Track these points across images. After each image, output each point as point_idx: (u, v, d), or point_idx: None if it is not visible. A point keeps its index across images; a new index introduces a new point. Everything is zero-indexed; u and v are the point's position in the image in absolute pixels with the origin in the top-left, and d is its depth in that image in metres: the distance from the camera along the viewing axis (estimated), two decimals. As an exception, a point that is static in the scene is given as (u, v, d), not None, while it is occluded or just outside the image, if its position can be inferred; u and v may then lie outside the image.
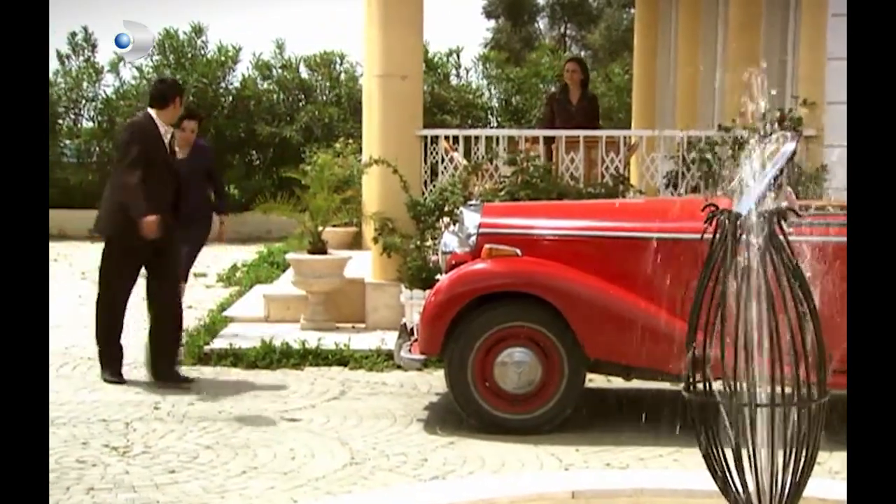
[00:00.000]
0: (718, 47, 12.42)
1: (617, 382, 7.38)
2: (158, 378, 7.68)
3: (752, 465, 2.61)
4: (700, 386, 2.67)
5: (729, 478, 2.64)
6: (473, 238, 6.87)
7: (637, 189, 9.63)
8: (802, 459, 2.60)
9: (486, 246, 6.73)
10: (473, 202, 7.73)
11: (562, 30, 34.35)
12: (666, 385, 7.30)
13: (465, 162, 9.74)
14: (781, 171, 6.65)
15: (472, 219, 6.99)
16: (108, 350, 7.75)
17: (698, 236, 6.49)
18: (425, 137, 9.74)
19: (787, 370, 2.57)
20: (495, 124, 18.22)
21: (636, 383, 7.15)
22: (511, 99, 18.39)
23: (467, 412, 6.66)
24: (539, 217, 7.08)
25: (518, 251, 6.71)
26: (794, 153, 6.73)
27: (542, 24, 34.78)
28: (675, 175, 9.47)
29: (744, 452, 2.60)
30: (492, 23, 33.26)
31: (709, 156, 9.17)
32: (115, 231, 7.61)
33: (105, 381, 7.68)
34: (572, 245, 6.75)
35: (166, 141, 7.79)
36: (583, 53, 30.71)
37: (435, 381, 7.76)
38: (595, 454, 6.22)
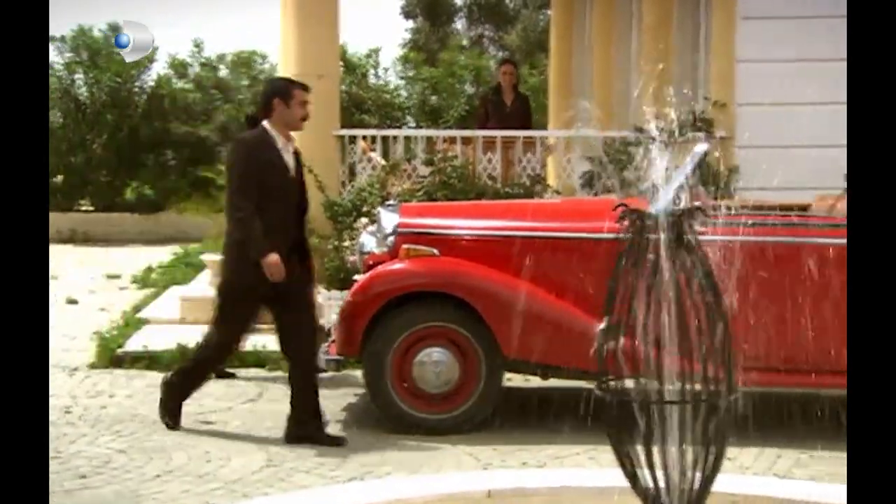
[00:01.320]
0: (633, 48, 12.57)
1: (535, 381, 7.43)
2: (290, 440, 6.35)
3: (663, 461, 2.65)
4: (612, 384, 2.71)
5: (639, 474, 2.67)
6: (391, 238, 6.86)
7: (554, 189, 9.70)
8: (711, 455, 2.64)
9: (404, 246, 6.73)
10: (391, 202, 7.73)
11: (479, 31, 34.45)
12: (583, 384, 7.37)
13: (383, 162, 9.73)
14: (694, 171, 6.80)
15: (389, 219, 6.98)
16: (182, 393, 6.66)
17: (612, 236, 6.63)
18: (343, 137, 9.70)
19: (696, 367, 2.62)
20: (413, 124, 18.25)
21: (554, 382, 7.20)
22: (428, 99, 18.44)
23: (385, 413, 6.65)
24: (457, 217, 7.10)
25: (436, 251, 6.72)
26: (706, 154, 6.88)
27: (460, 24, 34.84)
28: (591, 175, 9.57)
29: (654, 449, 2.63)
30: (410, 23, 33.25)
31: (623, 157, 9.28)
32: (230, 272, 6.50)
33: (166, 424, 6.56)
34: (490, 245, 6.78)
35: (288, 158, 6.43)
36: (500, 54, 30.82)
37: (354, 383, 7.73)
38: (512, 453, 6.25)
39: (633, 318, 2.62)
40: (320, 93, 9.40)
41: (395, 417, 6.62)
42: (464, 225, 6.94)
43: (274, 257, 6.17)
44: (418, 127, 17.21)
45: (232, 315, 6.49)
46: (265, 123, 6.42)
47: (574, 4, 15.25)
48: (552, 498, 3.11)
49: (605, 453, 6.02)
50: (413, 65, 19.26)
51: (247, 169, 6.35)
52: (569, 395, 7.35)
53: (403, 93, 18.93)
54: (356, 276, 8.10)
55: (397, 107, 18.50)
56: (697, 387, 2.63)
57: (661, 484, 2.64)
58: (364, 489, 3.53)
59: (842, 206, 6.94)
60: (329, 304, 8.73)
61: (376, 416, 6.73)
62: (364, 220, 8.91)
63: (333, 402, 7.33)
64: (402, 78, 19.06)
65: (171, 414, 6.60)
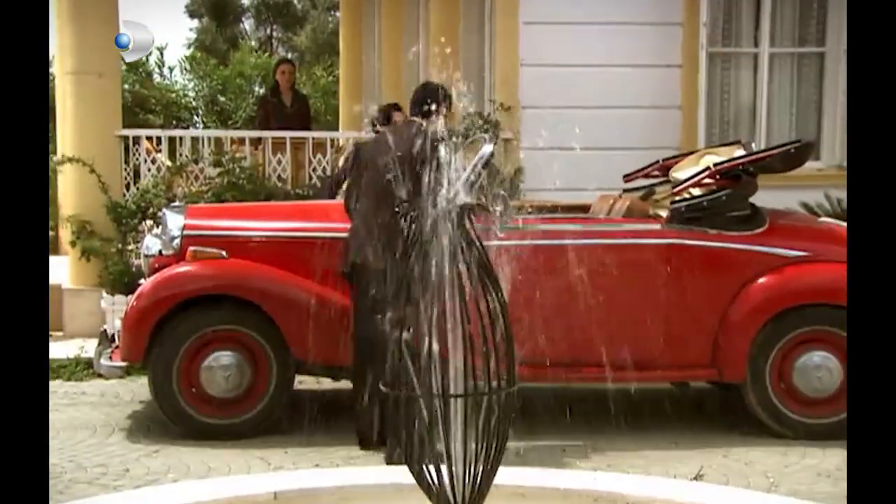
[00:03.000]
0: (421, 50, 12.69)
1: (326, 383, 7.41)
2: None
3: (447, 455, 2.67)
4: (397, 380, 2.71)
5: (424, 469, 2.68)
6: (177, 240, 6.70)
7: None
8: (493, 449, 2.68)
9: (191, 248, 6.58)
10: (177, 204, 7.55)
11: (268, 31, 34.09)
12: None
13: (168, 163, 9.49)
14: (480, 172, 6.92)
15: (175, 221, 6.82)
16: None
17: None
18: (126, 138, 9.41)
19: (479, 362, 2.67)
20: (201, 125, 17.89)
21: (346, 384, 7.20)
22: (216, 99, 18.11)
23: (173, 419, 6.49)
24: (245, 218, 7.00)
25: (224, 253, 6.60)
26: (492, 155, 7.01)
27: (247, 24, 34.39)
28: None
29: (438, 444, 2.65)
30: (195, 22, 32.57)
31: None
32: None
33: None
34: (279, 246, 6.71)
35: None
36: (290, 55, 30.62)
37: (139, 389, 7.51)
38: (304, 455, 6.20)
39: (418, 315, 2.64)
40: (100, 92, 9.14)
41: (183, 423, 6.46)
42: (252, 226, 6.84)
43: None
44: (206, 128, 16.88)
45: None
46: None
47: (362, 6, 15.28)
48: (339, 497, 3.11)
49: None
50: (201, 64, 18.89)
51: None
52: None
53: (191, 93, 18.54)
54: (141, 280, 7.87)
55: (184, 107, 18.09)
56: (480, 381, 2.67)
57: (446, 479, 2.66)
58: (145, 496, 3.42)
59: (619, 206, 7.22)
60: (113, 310, 8.48)
61: (164, 424, 6.56)
62: (149, 222, 8.69)
63: (118, 411, 7.12)
64: (189, 77, 18.65)
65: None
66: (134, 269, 8.59)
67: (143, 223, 8.82)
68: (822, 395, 6.56)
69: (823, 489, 5.55)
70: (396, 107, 8.05)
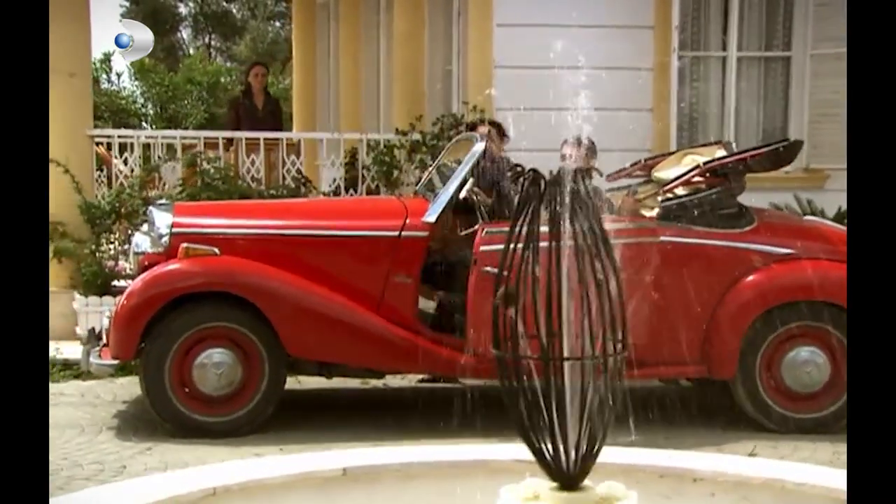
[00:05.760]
0: (381, 57, 12.68)
1: (311, 382, 7.36)
2: None
3: (561, 422, 2.65)
4: (509, 345, 2.69)
5: (534, 437, 2.65)
6: (166, 238, 6.62)
7: (320, 190, 9.66)
8: (605, 414, 2.68)
9: (184, 245, 6.48)
10: (163, 201, 7.45)
11: (206, 40, 33.81)
12: (357, 383, 7.40)
13: (123, 168, 9.32)
14: (472, 170, 6.97)
15: (163, 218, 6.74)
16: None
17: (391, 234, 6.67)
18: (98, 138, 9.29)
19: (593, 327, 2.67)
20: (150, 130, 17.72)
21: (331, 383, 7.19)
22: (167, 105, 17.92)
23: (164, 417, 6.40)
24: (235, 216, 6.93)
25: (216, 250, 6.52)
26: (484, 152, 7.06)
27: (185, 33, 34.07)
28: (351, 178, 9.61)
29: (553, 409, 2.63)
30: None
31: (387, 158, 9.36)
32: None
33: None
34: (271, 243, 6.66)
35: None
36: (229, 64, 30.39)
37: (119, 390, 7.43)
38: (298, 452, 6.14)
39: (531, 280, 2.63)
40: (73, 92, 8.98)
41: (174, 421, 6.38)
42: (244, 224, 6.78)
43: None
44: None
45: None
46: None
47: (316, 15, 15.22)
48: (403, 475, 3.10)
49: (395, 445, 6.04)
50: (151, 71, 18.68)
51: None
52: (345, 395, 7.37)
53: (140, 99, 18.33)
54: (115, 282, 7.77)
55: (133, 113, 17.87)
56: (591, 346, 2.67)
57: (561, 446, 2.64)
58: (215, 471, 3.36)
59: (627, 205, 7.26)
60: (86, 312, 8.34)
61: (151, 422, 6.47)
62: (125, 222, 8.59)
63: (102, 411, 7.01)
64: (136, 82, 18.42)
65: None
66: (107, 270, 8.46)
67: (117, 224, 8.69)
68: (810, 390, 6.67)
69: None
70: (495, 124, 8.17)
